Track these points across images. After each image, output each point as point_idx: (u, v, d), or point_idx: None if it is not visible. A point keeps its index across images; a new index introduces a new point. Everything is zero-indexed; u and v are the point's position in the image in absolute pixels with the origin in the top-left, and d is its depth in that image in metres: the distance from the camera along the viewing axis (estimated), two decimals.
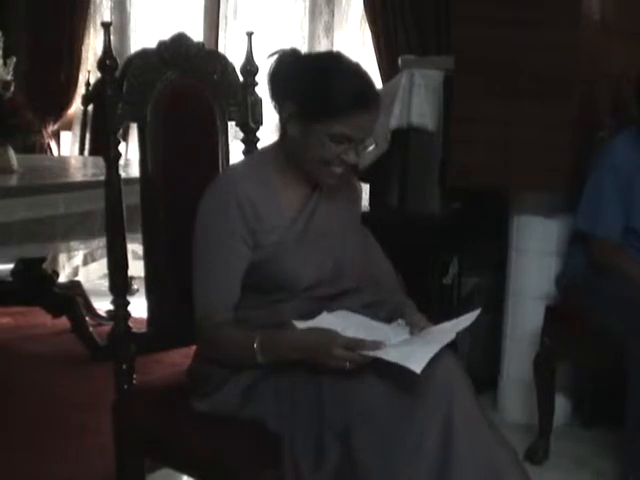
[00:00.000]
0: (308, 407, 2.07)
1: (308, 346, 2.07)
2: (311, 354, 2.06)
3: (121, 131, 2.42)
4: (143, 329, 2.47)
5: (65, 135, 6.62)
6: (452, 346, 2.08)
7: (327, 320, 2.15)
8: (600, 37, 3.61)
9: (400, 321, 2.23)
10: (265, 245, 2.22)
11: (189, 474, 2.52)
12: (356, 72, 2.18)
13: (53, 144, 6.52)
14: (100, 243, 3.79)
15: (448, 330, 2.14)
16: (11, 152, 3.91)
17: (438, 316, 2.28)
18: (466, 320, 2.18)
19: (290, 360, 2.10)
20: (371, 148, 2.21)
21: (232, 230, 2.19)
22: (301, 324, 2.13)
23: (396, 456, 1.95)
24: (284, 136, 2.24)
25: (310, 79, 2.15)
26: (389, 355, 1.98)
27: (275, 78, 2.23)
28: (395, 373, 1.97)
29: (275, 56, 2.24)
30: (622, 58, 3.73)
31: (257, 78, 2.67)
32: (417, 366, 1.92)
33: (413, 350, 2.01)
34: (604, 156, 3.42)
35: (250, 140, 2.70)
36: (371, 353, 2.00)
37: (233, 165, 2.49)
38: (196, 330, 2.24)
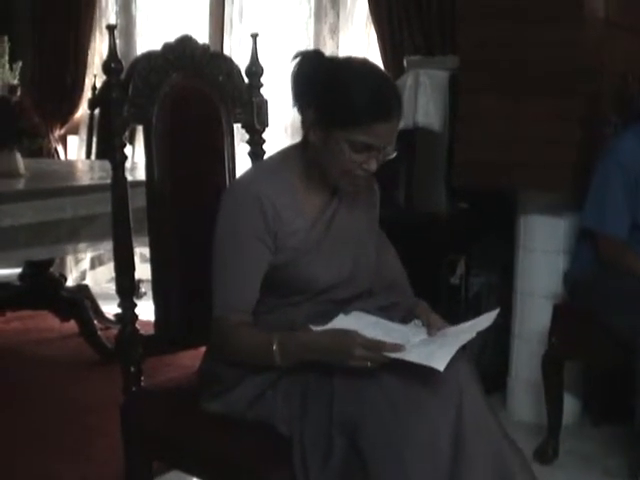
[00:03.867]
0: (318, 406, 2.07)
1: (328, 347, 2.06)
2: (331, 355, 2.05)
3: (127, 134, 2.43)
4: (151, 332, 2.47)
5: (72, 139, 6.63)
6: (462, 346, 2.08)
7: (344, 322, 2.14)
8: (604, 33, 3.61)
9: (417, 321, 2.23)
10: (285, 248, 2.21)
11: (198, 476, 2.51)
12: (379, 81, 2.16)
13: (60, 148, 6.53)
14: (108, 246, 3.79)
15: (466, 330, 2.14)
16: (18, 156, 3.91)
17: (446, 316, 2.27)
18: (485, 321, 2.18)
19: (309, 361, 2.10)
20: (393, 156, 2.19)
21: (253, 232, 2.18)
22: (318, 328, 2.12)
23: (406, 454, 1.95)
24: (306, 140, 2.23)
25: (332, 86, 2.13)
26: (409, 356, 1.98)
27: (298, 81, 2.20)
28: (408, 372, 1.98)
29: (298, 58, 2.20)
30: (626, 54, 3.73)
31: (262, 80, 2.68)
32: (439, 364, 1.92)
33: (432, 350, 2.01)
34: (610, 153, 3.41)
35: (256, 142, 2.70)
36: (392, 355, 2.00)
37: (254, 167, 2.48)
38: (212, 330, 2.24)
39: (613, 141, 3.48)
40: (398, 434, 1.96)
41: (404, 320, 2.24)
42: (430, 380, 1.98)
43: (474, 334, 2.10)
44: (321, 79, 2.15)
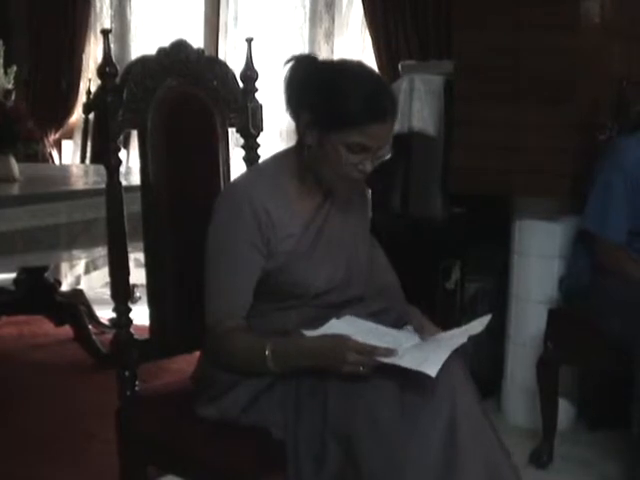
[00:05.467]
0: (312, 412, 2.06)
1: (321, 353, 2.06)
2: (324, 361, 2.05)
3: (122, 138, 2.42)
4: (146, 336, 2.46)
5: (66, 144, 6.63)
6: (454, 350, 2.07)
7: (336, 327, 2.14)
8: (600, 40, 3.61)
9: (409, 327, 2.23)
10: (278, 253, 2.21)
11: None
12: (373, 82, 2.16)
13: (54, 153, 6.53)
14: (102, 251, 3.79)
15: (458, 335, 2.14)
16: (13, 161, 3.91)
17: (441, 321, 2.28)
18: (477, 326, 2.18)
19: (302, 367, 2.09)
20: (387, 157, 2.19)
21: (246, 237, 2.18)
22: (311, 333, 2.12)
23: (400, 461, 1.94)
24: (300, 144, 2.23)
25: (327, 88, 2.13)
26: (402, 361, 1.98)
27: (291, 85, 2.20)
28: (402, 376, 1.97)
29: (291, 62, 2.21)
30: (622, 60, 3.73)
31: (257, 84, 2.68)
32: (432, 370, 1.92)
33: (425, 356, 2.01)
34: (613, 157, 3.39)
35: (250, 146, 2.70)
36: (384, 360, 2.00)
37: (248, 171, 2.49)
38: (206, 335, 2.24)
39: (616, 146, 3.45)
40: (392, 442, 1.96)
41: (395, 325, 2.24)
42: (424, 386, 1.97)
43: (466, 338, 2.10)
44: (316, 82, 2.15)
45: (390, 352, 2.01)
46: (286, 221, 2.22)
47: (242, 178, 2.35)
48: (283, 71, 2.22)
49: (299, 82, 2.19)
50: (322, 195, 2.29)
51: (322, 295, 2.27)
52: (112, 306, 2.40)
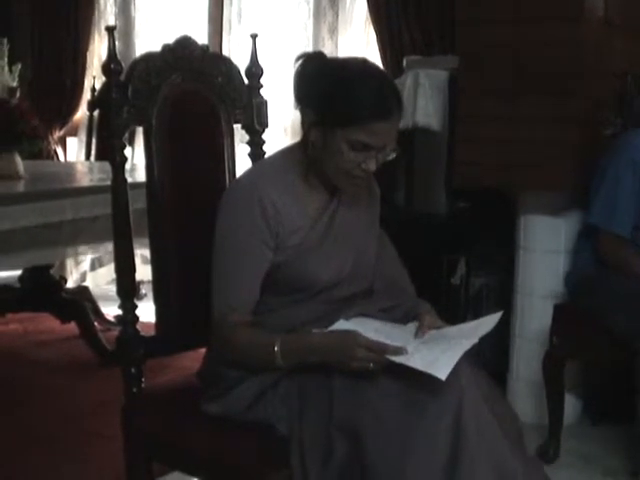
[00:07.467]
0: (318, 407, 2.06)
1: (330, 348, 2.06)
2: (333, 356, 2.05)
3: (127, 135, 2.42)
4: (152, 333, 2.46)
5: (71, 141, 6.64)
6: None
7: (344, 327, 2.14)
8: (603, 34, 3.61)
9: (417, 323, 2.22)
10: (286, 247, 2.21)
11: (199, 477, 2.52)
12: (379, 80, 2.15)
13: (59, 150, 6.53)
14: (108, 248, 3.79)
15: (468, 332, 2.13)
16: (17, 158, 3.91)
17: (447, 316, 2.27)
18: (487, 323, 2.17)
19: (311, 363, 2.09)
20: (393, 156, 2.19)
21: (254, 231, 2.18)
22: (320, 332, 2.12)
23: (405, 460, 1.93)
24: (306, 140, 2.23)
25: (333, 86, 2.13)
26: (412, 361, 1.98)
27: (300, 82, 2.21)
28: (408, 375, 1.97)
29: (301, 59, 2.22)
30: (626, 54, 3.73)
31: (262, 80, 2.67)
32: (442, 373, 1.92)
33: (435, 357, 2.00)
34: (622, 151, 3.38)
35: (256, 142, 2.70)
36: (394, 359, 1.99)
37: (254, 167, 2.49)
38: (213, 329, 2.24)
39: (625, 140, 3.44)
40: (398, 440, 1.95)
41: (404, 320, 2.24)
42: (431, 384, 1.96)
43: (477, 339, 2.09)
44: (322, 79, 2.16)
45: (400, 351, 2.01)
46: (294, 215, 2.22)
47: (250, 173, 2.35)
48: (292, 68, 2.22)
49: (307, 79, 2.19)
50: (330, 190, 2.29)
51: (329, 289, 2.27)
52: (118, 303, 2.40)
